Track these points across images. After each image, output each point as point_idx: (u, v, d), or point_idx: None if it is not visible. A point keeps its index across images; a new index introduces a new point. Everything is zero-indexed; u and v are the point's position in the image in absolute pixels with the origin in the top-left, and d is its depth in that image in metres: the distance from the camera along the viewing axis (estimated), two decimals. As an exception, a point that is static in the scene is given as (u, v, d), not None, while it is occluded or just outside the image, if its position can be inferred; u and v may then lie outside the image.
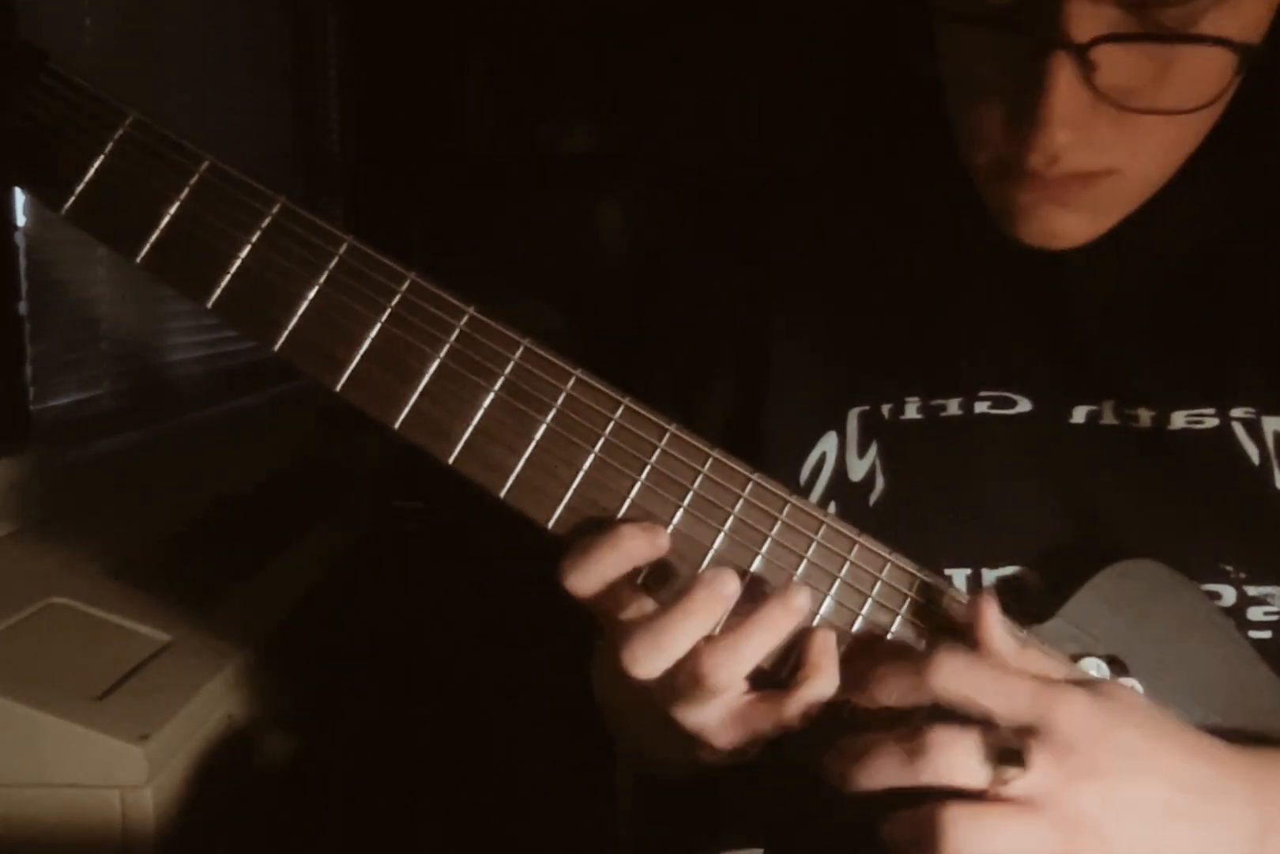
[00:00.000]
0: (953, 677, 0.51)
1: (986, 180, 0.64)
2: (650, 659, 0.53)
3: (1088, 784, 0.50)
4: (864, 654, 0.56)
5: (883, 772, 0.50)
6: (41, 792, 0.85)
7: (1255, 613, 0.62)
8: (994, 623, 0.54)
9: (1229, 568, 0.62)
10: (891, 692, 0.52)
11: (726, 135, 1.99)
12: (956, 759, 0.49)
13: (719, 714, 0.55)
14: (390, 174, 2.14)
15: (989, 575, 0.64)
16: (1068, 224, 0.63)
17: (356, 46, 2.13)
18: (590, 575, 0.54)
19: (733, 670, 0.53)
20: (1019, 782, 0.49)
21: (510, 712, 1.73)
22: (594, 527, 0.54)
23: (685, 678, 0.53)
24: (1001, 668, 0.51)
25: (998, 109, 0.59)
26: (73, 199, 0.54)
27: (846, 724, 0.54)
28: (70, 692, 0.88)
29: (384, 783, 1.49)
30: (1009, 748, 0.49)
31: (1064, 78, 0.55)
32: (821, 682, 0.54)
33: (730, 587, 0.53)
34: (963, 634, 0.55)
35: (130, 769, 0.85)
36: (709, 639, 0.53)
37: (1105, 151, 0.59)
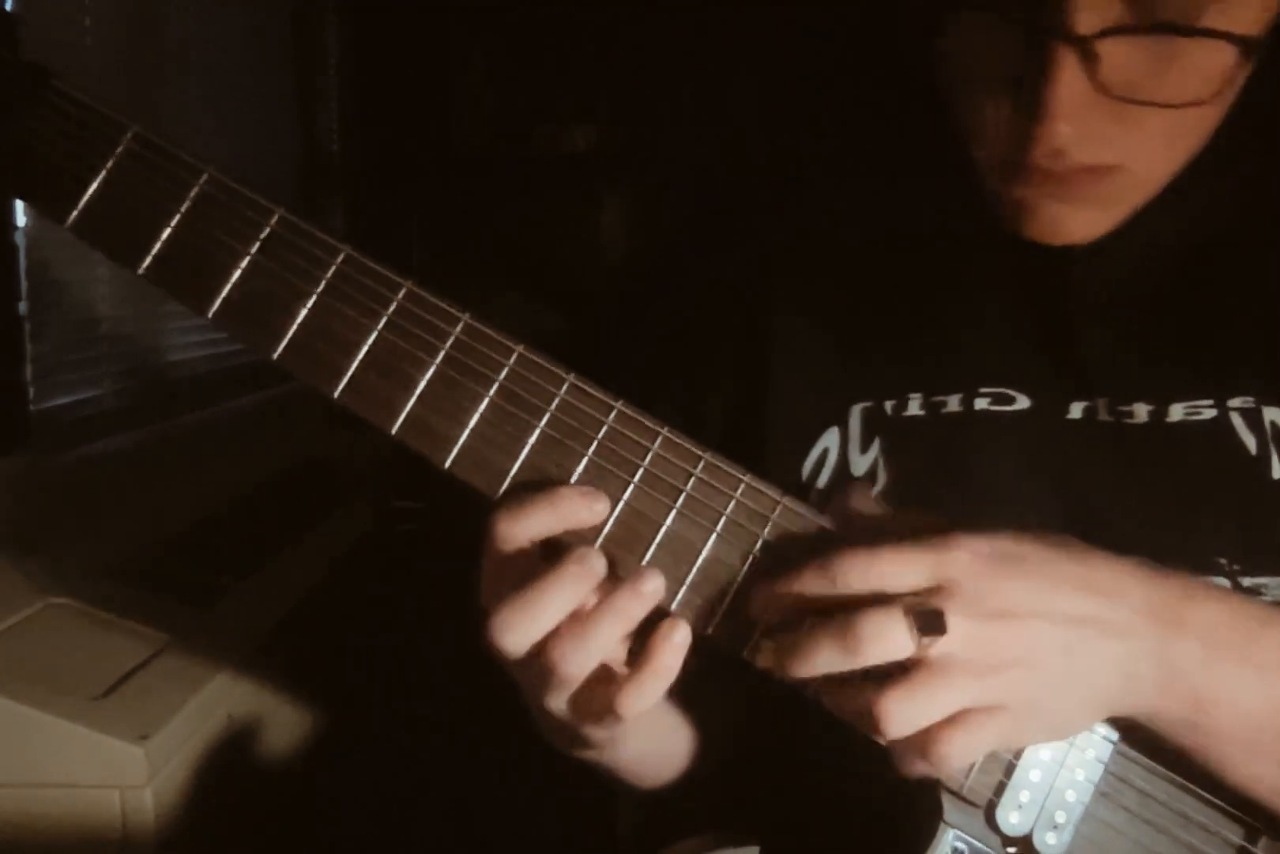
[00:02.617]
0: (845, 572, 0.52)
1: (991, 176, 0.64)
2: (516, 629, 0.54)
3: (998, 628, 0.51)
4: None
5: (821, 662, 0.52)
6: (41, 792, 0.85)
7: None
8: (861, 497, 0.57)
9: (1223, 560, 0.63)
10: (796, 600, 0.54)
11: (727, 135, 1.98)
12: (887, 640, 0.51)
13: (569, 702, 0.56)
14: (390, 174, 2.14)
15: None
16: (1073, 219, 0.63)
17: (356, 46, 2.13)
18: (519, 526, 0.54)
19: (583, 660, 0.54)
20: (941, 645, 0.51)
21: (510, 711, 1.73)
22: (539, 486, 0.55)
23: (540, 667, 0.54)
24: (881, 546, 0.53)
25: (1001, 104, 0.59)
26: (76, 213, 0.55)
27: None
28: (70, 692, 0.88)
29: (384, 782, 1.49)
30: (925, 613, 0.51)
31: (1067, 70, 0.55)
32: (658, 676, 0.54)
33: (599, 565, 0.54)
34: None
35: (130, 769, 0.85)
36: (560, 627, 0.54)
37: (1109, 146, 0.59)
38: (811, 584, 0.53)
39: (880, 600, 0.52)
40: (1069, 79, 0.55)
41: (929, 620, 0.51)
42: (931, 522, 0.55)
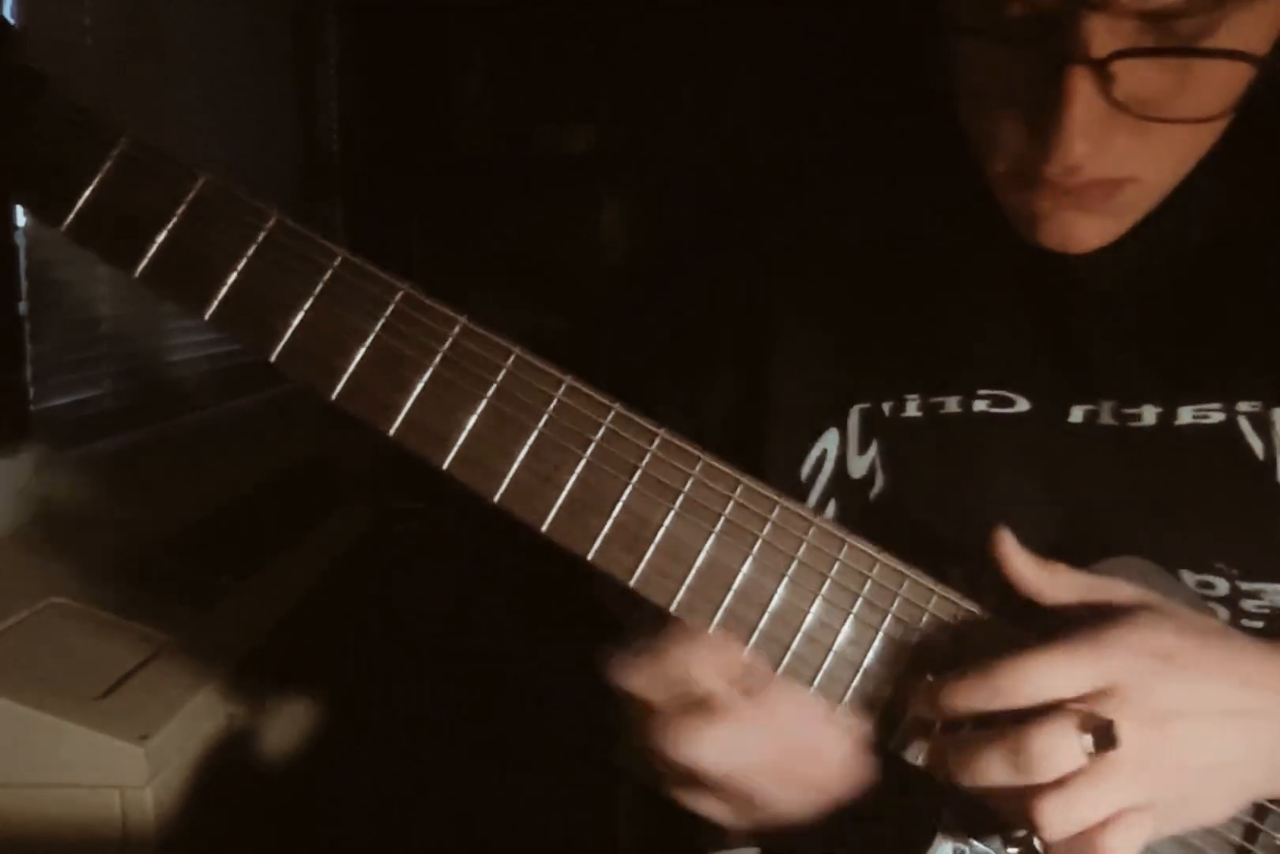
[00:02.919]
0: (1014, 689, 0.53)
1: (1004, 187, 0.64)
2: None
3: (1161, 732, 0.52)
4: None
5: (991, 775, 0.53)
6: (41, 792, 0.85)
7: (1249, 604, 0.62)
8: (1017, 556, 0.57)
9: (1221, 565, 0.63)
10: (968, 712, 0.54)
11: (727, 135, 1.98)
12: (1060, 758, 0.51)
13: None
14: (390, 174, 2.14)
15: (987, 574, 0.65)
16: (1086, 228, 0.63)
17: (356, 46, 2.13)
18: (650, 678, 0.56)
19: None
20: (1115, 755, 0.51)
21: (510, 711, 1.73)
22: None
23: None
24: (1043, 655, 0.53)
25: (1015, 119, 0.59)
26: (71, 217, 0.56)
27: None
28: (70, 692, 0.88)
29: (384, 782, 1.50)
30: (1099, 725, 0.51)
31: (1082, 91, 0.55)
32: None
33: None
34: (957, 628, 0.57)
35: (130, 769, 0.85)
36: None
37: (1123, 160, 0.59)
38: (978, 698, 0.53)
39: (1045, 707, 0.52)
40: (1085, 100, 0.55)
41: (1103, 734, 0.51)
42: (1082, 585, 0.56)
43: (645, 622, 0.57)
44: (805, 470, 0.70)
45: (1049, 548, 0.63)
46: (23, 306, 1.16)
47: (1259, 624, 0.62)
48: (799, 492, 0.69)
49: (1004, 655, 0.53)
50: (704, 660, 0.55)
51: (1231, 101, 0.57)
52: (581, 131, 2.09)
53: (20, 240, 1.15)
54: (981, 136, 0.62)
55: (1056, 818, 0.51)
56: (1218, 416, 0.65)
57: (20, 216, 1.14)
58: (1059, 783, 0.51)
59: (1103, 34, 0.55)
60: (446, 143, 2.15)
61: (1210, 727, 0.53)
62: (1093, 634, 0.54)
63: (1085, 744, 0.51)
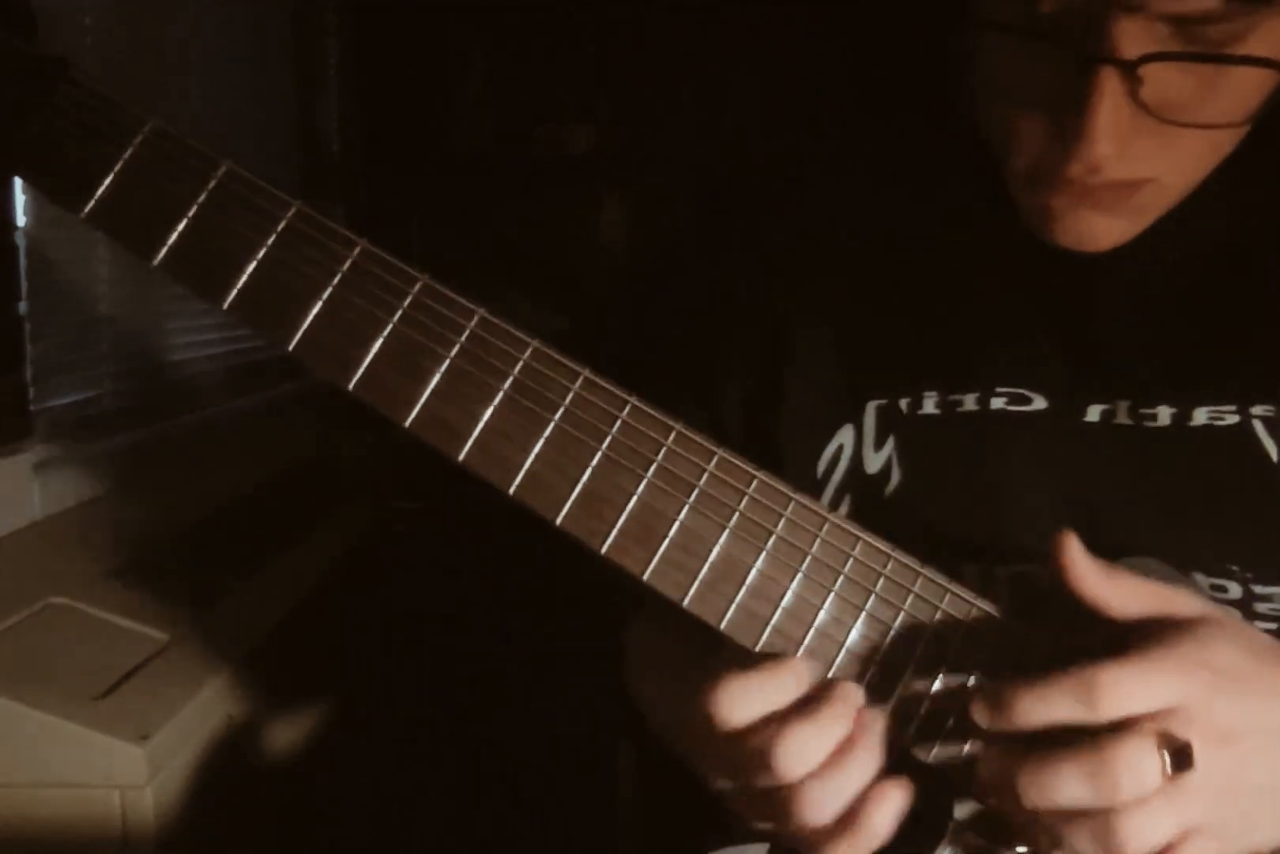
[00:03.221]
0: (1109, 702, 0.50)
1: (1021, 185, 0.64)
2: (736, 715, 0.53)
3: (1231, 753, 0.50)
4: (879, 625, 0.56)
5: (1065, 794, 0.50)
6: (41, 792, 0.85)
7: (1261, 607, 0.62)
8: (1075, 553, 0.54)
9: (1235, 567, 0.63)
10: (1046, 722, 0.51)
11: (727, 134, 1.98)
12: (1141, 777, 0.49)
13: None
14: (390, 174, 2.14)
15: (1001, 572, 0.64)
16: (1103, 227, 0.63)
17: (356, 46, 2.13)
18: (751, 707, 0.54)
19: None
20: (1191, 777, 0.49)
21: (510, 711, 1.73)
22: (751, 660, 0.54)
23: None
24: (1122, 670, 0.51)
25: (1038, 118, 0.59)
26: (92, 203, 0.55)
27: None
28: (70, 692, 0.88)
29: (384, 782, 1.49)
30: (1175, 745, 0.49)
31: (1110, 92, 0.55)
32: (867, 837, 0.53)
33: (857, 698, 0.54)
34: (970, 627, 0.56)
35: (130, 769, 0.85)
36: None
37: (1145, 162, 0.59)
38: (1055, 709, 0.51)
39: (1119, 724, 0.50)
40: (1111, 101, 0.55)
41: (1182, 755, 0.49)
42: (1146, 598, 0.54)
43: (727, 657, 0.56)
44: (821, 466, 0.70)
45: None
46: (23, 306, 1.15)
47: (1271, 626, 0.62)
48: (814, 487, 0.69)
49: (1079, 666, 0.51)
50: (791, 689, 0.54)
51: (1255, 108, 0.58)
52: (581, 131, 2.09)
53: (20, 240, 1.14)
54: (1001, 134, 0.62)
55: (1135, 840, 0.49)
56: (1232, 418, 0.65)
57: (20, 217, 1.14)
58: (1138, 803, 0.49)
59: (1134, 36, 0.54)
60: (446, 143, 2.15)
61: (1272, 745, 0.51)
62: (1165, 648, 0.51)
63: (1165, 764, 0.49)
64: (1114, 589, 0.54)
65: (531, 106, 2.12)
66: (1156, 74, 0.55)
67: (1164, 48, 0.55)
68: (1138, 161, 0.59)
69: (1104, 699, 0.50)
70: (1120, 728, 0.50)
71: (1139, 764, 0.49)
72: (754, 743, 0.53)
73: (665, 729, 0.70)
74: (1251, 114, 0.58)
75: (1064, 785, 0.49)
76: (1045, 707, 0.51)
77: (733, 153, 1.91)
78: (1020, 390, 0.68)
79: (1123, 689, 0.50)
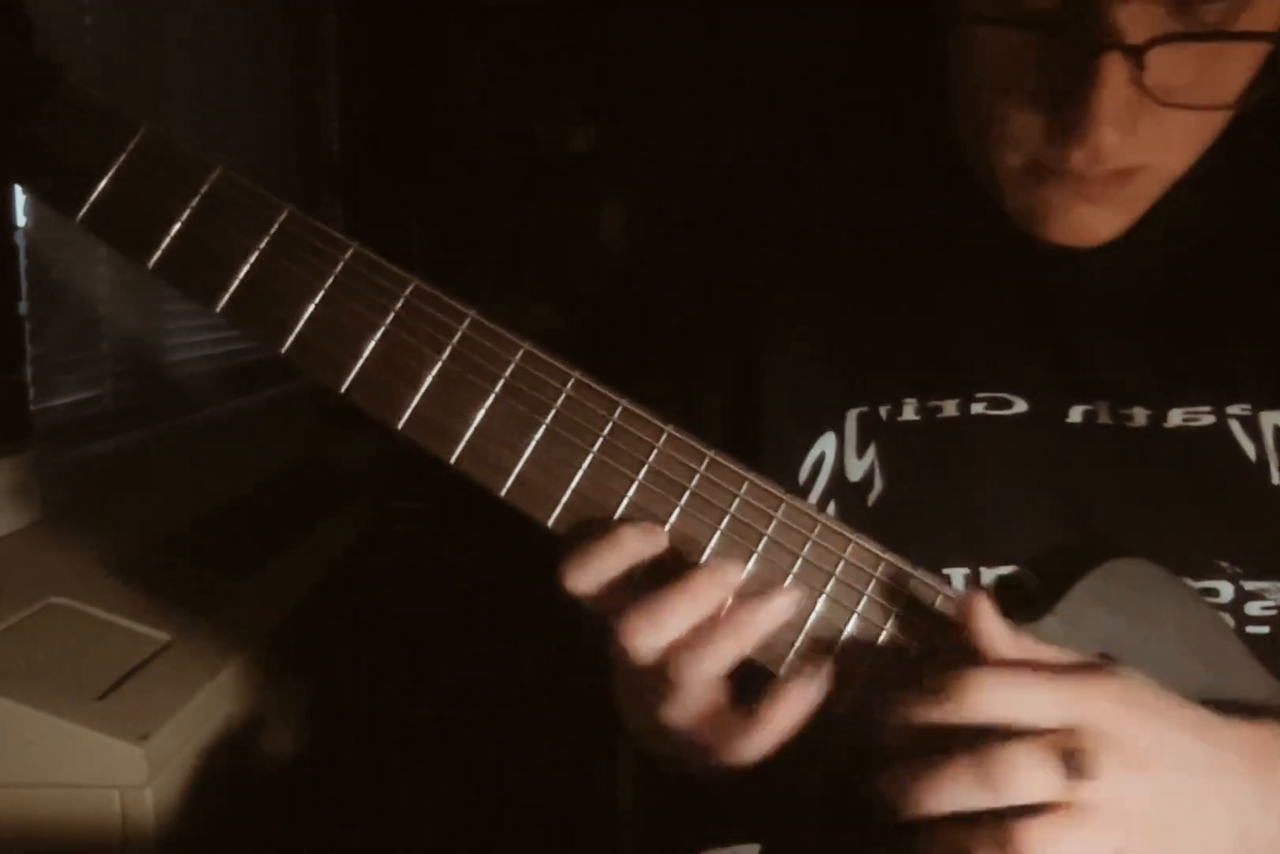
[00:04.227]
0: (985, 704, 0.50)
1: (1014, 182, 0.63)
2: (646, 634, 0.53)
3: (1141, 781, 0.50)
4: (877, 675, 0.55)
5: (959, 797, 0.50)
6: (41, 792, 0.85)
7: (1253, 608, 0.62)
8: (987, 618, 0.53)
9: (1225, 564, 0.63)
10: (924, 723, 0.52)
11: (727, 135, 1.98)
12: (1033, 779, 0.49)
13: (692, 715, 0.56)
14: (390, 174, 2.14)
15: (987, 575, 0.65)
16: (1097, 220, 0.63)
17: (356, 46, 2.13)
18: (589, 575, 0.54)
19: (704, 667, 0.53)
20: (1089, 790, 0.49)
21: (509, 711, 1.73)
22: (593, 527, 0.55)
23: (660, 675, 0.54)
24: (1020, 678, 0.51)
25: (1033, 111, 0.59)
26: (86, 207, 0.56)
27: (846, 725, 0.54)
28: (70, 692, 0.88)
29: (384, 782, 1.50)
30: (1072, 752, 0.49)
31: (1113, 79, 0.55)
32: (773, 730, 0.54)
33: (731, 575, 0.54)
34: (956, 630, 0.55)
35: (130, 769, 0.85)
36: (684, 637, 0.53)
37: (1143, 148, 0.59)
38: (939, 709, 0.51)
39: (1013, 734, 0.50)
40: (1116, 88, 0.55)
41: (1076, 760, 0.49)
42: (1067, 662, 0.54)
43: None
44: (803, 474, 0.70)
45: (1050, 549, 0.64)
46: (23, 306, 1.16)
47: (1264, 630, 0.62)
48: (797, 495, 0.69)
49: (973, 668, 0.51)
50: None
51: (1245, 87, 0.58)
52: (581, 131, 2.09)
53: (20, 240, 1.14)
54: (992, 131, 0.62)
55: (1036, 850, 0.48)
56: (1208, 419, 0.65)
57: (20, 217, 1.14)
58: (1040, 811, 0.49)
59: (1136, 20, 0.55)
60: (446, 143, 2.15)
61: (1191, 781, 0.51)
62: (1078, 672, 0.52)
63: (1057, 768, 0.49)
64: (1018, 653, 0.53)
65: (531, 106, 2.12)
66: (1160, 58, 0.55)
67: (1164, 31, 0.55)
68: (1137, 148, 0.59)
69: (979, 701, 0.50)
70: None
71: (1027, 764, 0.49)
72: (605, 609, 0.54)
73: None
74: (1241, 94, 0.58)
75: (953, 784, 0.49)
76: (926, 706, 0.51)
77: (732, 153, 1.91)
78: (1000, 394, 0.68)
79: (1001, 690, 0.50)
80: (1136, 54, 0.55)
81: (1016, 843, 0.49)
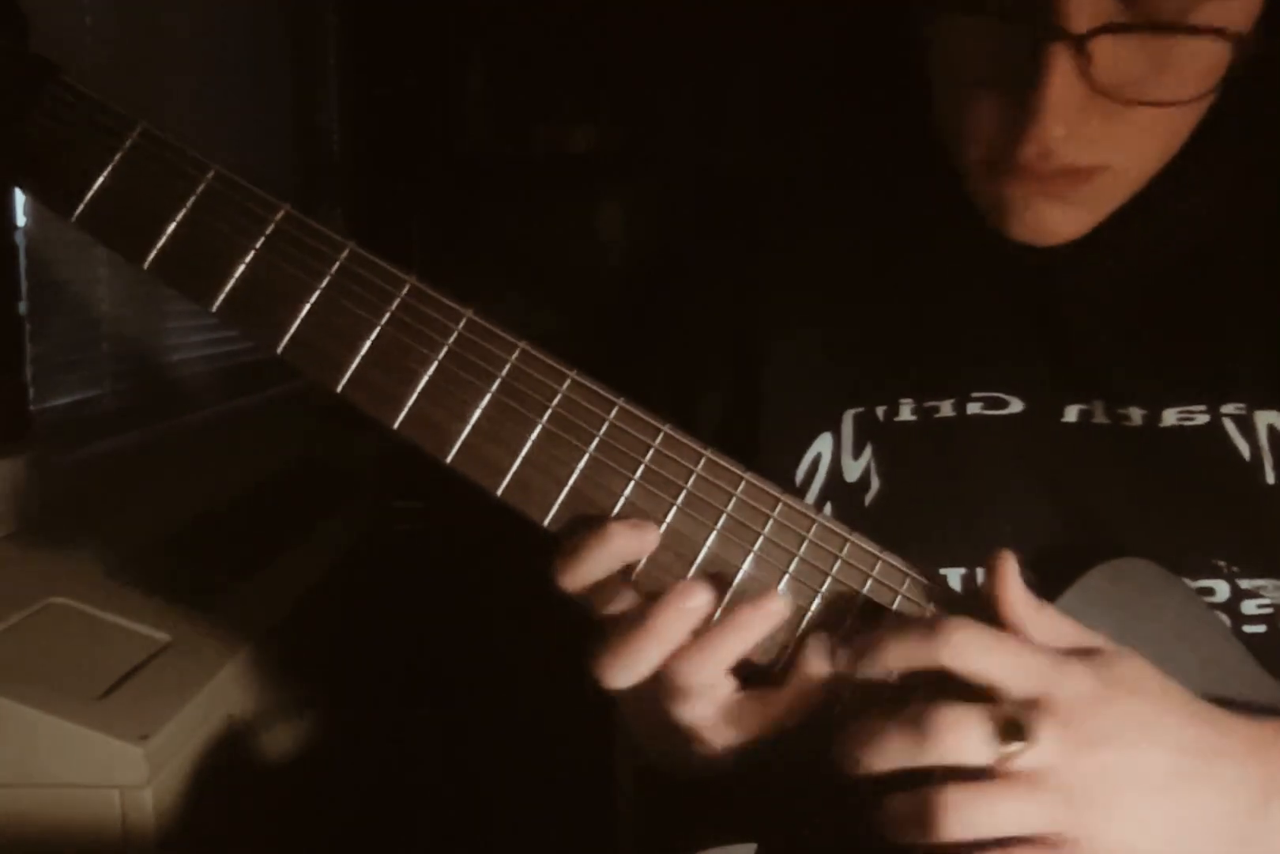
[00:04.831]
0: (961, 647, 0.50)
1: (977, 176, 0.63)
2: (622, 674, 0.54)
3: (1089, 756, 0.49)
4: (865, 627, 0.55)
5: (891, 753, 0.49)
6: (41, 792, 0.85)
7: (1249, 606, 0.62)
8: (1011, 581, 0.53)
9: (1221, 562, 0.63)
10: (896, 659, 0.52)
11: (726, 135, 1.99)
12: (962, 738, 0.49)
13: (709, 712, 0.56)
14: (389, 174, 2.14)
15: (983, 575, 0.65)
16: (1058, 218, 0.62)
17: (356, 46, 2.13)
18: (581, 573, 0.54)
19: (705, 673, 0.53)
20: (1022, 757, 0.49)
21: (509, 711, 1.73)
22: (587, 525, 0.55)
23: (664, 682, 0.54)
24: (1008, 639, 0.51)
25: (991, 102, 0.59)
26: (82, 206, 0.56)
27: (839, 720, 0.54)
28: (70, 692, 0.88)
29: (384, 782, 1.50)
30: (1013, 721, 0.49)
31: (1060, 70, 0.55)
32: (809, 682, 0.54)
33: (695, 600, 0.53)
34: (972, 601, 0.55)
35: (130, 769, 0.85)
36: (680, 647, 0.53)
37: (1097, 146, 0.59)
38: (913, 645, 0.51)
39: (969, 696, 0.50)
40: (1062, 79, 0.55)
41: (1013, 726, 0.48)
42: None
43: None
44: (800, 474, 0.70)
45: (1048, 549, 0.64)
46: (23, 306, 1.16)
47: (1260, 628, 0.62)
48: (793, 495, 0.69)
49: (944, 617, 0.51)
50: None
51: (1209, 85, 0.57)
52: (581, 131, 2.09)
53: (20, 240, 1.15)
54: (956, 124, 0.62)
55: (954, 812, 0.48)
56: (1202, 418, 0.65)
57: (20, 217, 1.14)
58: (968, 780, 0.48)
59: (1082, 10, 0.54)
60: (446, 143, 2.15)
61: (1142, 784, 0.49)
62: (1076, 650, 0.52)
63: (990, 732, 0.48)
64: (1037, 620, 0.53)
65: (531, 106, 2.13)
66: (1107, 49, 0.55)
67: (1113, 22, 0.54)
68: (1089, 146, 0.58)
69: (950, 635, 0.50)
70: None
71: (961, 724, 0.48)
72: (598, 607, 0.55)
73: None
74: (1203, 92, 0.57)
75: (882, 740, 0.49)
76: (895, 642, 0.51)
77: (732, 153, 1.91)
78: (996, 394, 0.68)
79: (968, 640, 0.50)
80: (1080, 43, 0.54)
81: (931, 804, 0.48)
